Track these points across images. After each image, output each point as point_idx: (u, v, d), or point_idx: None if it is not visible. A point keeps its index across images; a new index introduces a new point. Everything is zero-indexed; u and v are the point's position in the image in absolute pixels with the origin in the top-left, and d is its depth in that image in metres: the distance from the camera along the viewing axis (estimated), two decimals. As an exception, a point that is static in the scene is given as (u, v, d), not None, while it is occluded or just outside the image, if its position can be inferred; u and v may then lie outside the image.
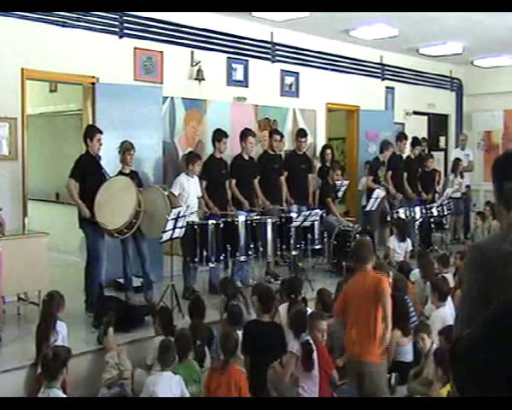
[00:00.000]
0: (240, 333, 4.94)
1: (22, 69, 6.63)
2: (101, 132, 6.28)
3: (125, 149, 6.56)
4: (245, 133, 7.65)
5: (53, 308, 4.89)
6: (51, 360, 4.12)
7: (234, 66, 8.73)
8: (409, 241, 8.29)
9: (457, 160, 10.87)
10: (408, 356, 5.34)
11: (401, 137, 9.91)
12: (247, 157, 7.68)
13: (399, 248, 8.15)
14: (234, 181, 7.51)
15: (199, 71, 8.14)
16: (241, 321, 5.26)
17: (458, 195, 10.59)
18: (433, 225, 9.40)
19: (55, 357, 4.12)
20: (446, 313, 5.41)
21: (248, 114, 8.85)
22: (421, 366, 4.96)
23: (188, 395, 4.34)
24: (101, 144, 6.27)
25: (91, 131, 6.30)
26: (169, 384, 4.26)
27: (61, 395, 4.06)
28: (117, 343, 5.11)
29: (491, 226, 9.48)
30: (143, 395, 4.29)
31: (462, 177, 10.82)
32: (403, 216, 8.91)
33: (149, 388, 4.25)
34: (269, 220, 7.05)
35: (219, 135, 7.38)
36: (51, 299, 4.95)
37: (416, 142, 10.09)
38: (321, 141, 10.02)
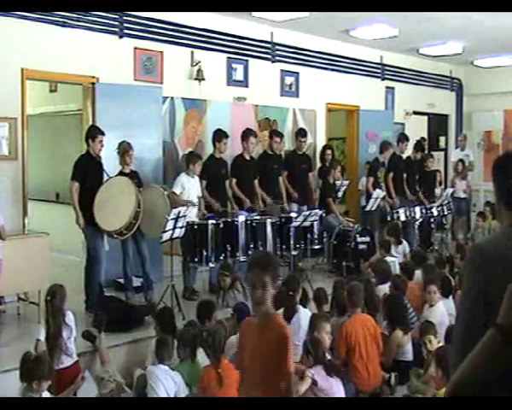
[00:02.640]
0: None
1: (22, 69, 6.62)
2: (103, 134, 6.27)
3: (124, 150, 6.55)
4: (246, 133, 7.67)
5: (58, 302, 4.84)
6: (32, 366, 4.04)
7: (234, 66, 8.73)
8: (405, 243, 8.25)
9: (460, 161, 10.87)
10: (408, 355, 5.35)
11: (402, 138, 9.88)
12: (248, 157, 7.69)
13: (396, 252, 8.10)
14: (234, 180, 7.52)
15: (199, 71, 8.14)
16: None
17: (464, 195, 10.59)
18: (433, 225, 9.40)
19: (38, 364, 4.04)
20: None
21: (248, 114, 8.85)
22: (427, 364, 4.95)
23: (186, 392, 4.35)
24: (102, 146, 6.27)
25: (93, 132, 6.29)
26: (164, 378, 4.26)
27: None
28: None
29: (491, 226, 9.48)
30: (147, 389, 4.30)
31: (464, 178, 10.81)
32: (403, 216, 8.91)
33: (148, 380, 4.27)
34: (269, 220, 7.05)
35: (219, 135, 7.38)
36: (54, 294, 4.85)
37: (418, 146, 10.05)
38: (321, 141, 10.02)
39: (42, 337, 4.67)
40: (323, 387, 4.34)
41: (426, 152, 10.98)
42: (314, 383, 4.31)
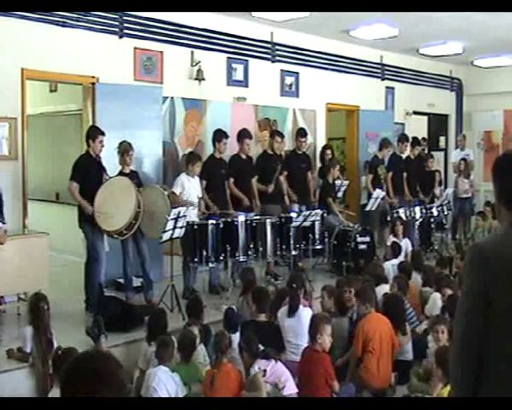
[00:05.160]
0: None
1: (22, 69, 6.62)
2: (103, 134, 6.26)
3: (124, 150, 6.54)
4: (241, 135, 7.67)
5: (45, 311, 4.78)
6: (60, 361, 4.12)
7: (234, 66, 8.73)
8: (407, 240, 8.27)
9: (463, 159, 10.84)
10: (408, 355, 5.34)
11: (402, 138, 9.88)
12: (244, 156, 7.69)
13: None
14: (232, 180, 7.52)
15: (199, 71, 8.14)
16: (237, 325, 5.24)
17: (467, 195, 10.57)
18: (433, 225, 9.40)
19: (64, 359, 4.11)
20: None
21: (248, 114, 8.85)
22: (426, 364, 4.94)
23: (185, 393, 4.35)
24: (102, 146, 6.26)
25: (93, 132, 6.28)
26: (165, 379, 4.26)
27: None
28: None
29: (491, 226, 9.47)
30: (144, 390, 4.29)
31: (467, 177, 10.77)
32: (403, 216, 8.90)
33: (148, 382, 4.26)
34: (268, 220, 7.05)
35: (219, 135, 7.38)
36: (46, 302, 4.83)
37: (415, 142, 10.08)
38: (321, 141, 10.02)
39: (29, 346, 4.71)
40: (271, 373, 4.41)
41: (425, 150, 10.99)
42: (264, 375, 4.37)
